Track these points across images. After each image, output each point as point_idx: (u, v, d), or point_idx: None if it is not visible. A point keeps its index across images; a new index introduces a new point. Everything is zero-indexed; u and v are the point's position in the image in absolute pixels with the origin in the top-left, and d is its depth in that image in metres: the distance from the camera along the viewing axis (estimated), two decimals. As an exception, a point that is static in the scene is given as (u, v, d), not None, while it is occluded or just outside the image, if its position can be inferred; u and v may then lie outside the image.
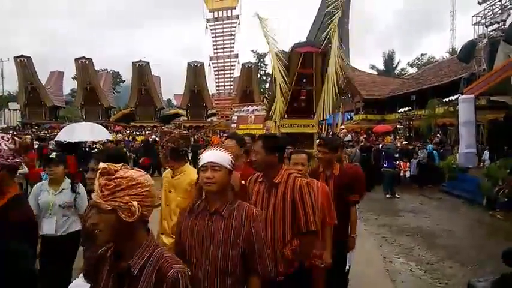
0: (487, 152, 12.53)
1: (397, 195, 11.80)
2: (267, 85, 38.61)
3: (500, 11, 16.88)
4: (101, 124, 14.93)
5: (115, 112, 46.87)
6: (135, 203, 1.35)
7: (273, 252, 2.48)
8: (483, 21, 17.59)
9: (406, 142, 16.48)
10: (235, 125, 22.59)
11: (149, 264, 1.40)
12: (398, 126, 23.12)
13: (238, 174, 2.17)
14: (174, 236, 2.80)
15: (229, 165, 2.05)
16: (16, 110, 43.24)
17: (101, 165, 1.39)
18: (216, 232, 1.98)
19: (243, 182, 3.03)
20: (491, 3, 17.50)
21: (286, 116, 7.93)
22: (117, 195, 1.34)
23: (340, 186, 3.62)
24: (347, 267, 3.98)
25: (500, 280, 2.60)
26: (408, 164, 13.66)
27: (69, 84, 54.06)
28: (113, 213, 1.34)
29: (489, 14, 17.39)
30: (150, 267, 1.39)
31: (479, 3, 18.19)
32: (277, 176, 2.62)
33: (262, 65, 48.53)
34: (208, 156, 2.06)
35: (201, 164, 2.05)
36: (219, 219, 2.00)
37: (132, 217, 1.35)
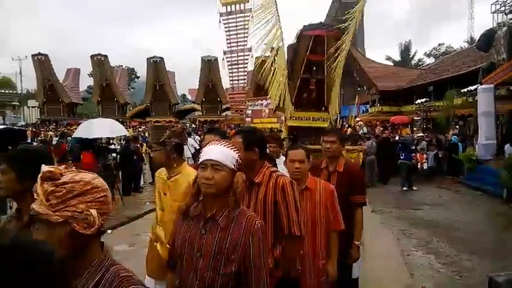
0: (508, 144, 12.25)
1: (414, 188, 11.66)
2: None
3: (520, -2, 16.39)
4: (117, 120, 15.11)
5: (130, 108, 47.37)
6: (93, 212, 1.14)
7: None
8: (502, 8, 17.09)
9: (422, 134, 16.24)
10: (249, 119, 22.65)
11: (102, 285, 1.16)
12: (415, 118, 22.77)
13: (243, 175, 1.85)
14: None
15: (234, 164, 1.75)
16: (35, 107, 44.14)
17: (44, 167, 1.15)
18: (208, 243, 1.70)
19: None
20: (511, -10, 17.00)
21: (294, 108, 7.12)
22: (70, 203, 1.12)
23: (343, 184, 3.13)
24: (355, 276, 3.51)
25: None
26: (425, 155, 13.48)
27: (85, 81, 54.79)
28: (64, 225, 1.10)
29: (509, 1, 16.90)
30: None
31: (499, -10, 17.69)
32: (258, 175, 2.35)
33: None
34: (210, 152, 1.77)
35: (201, 160, 1.77)
36: (214, 228, 1.72)
37: (90, 229, 1.13)
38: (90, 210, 1.14)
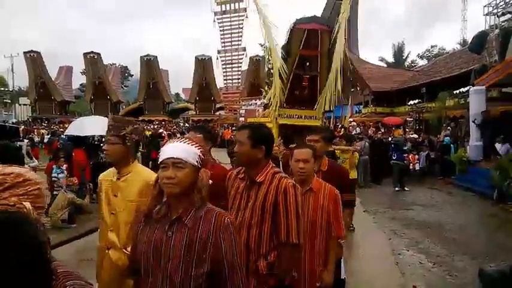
0: (497, 145, 12.37)
1: (406, 188, 11.72)
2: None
3: (512, 1, 16.56)
4: (110, 118, 15.02)
5: (123, 106, 47.16)
6: (27, 204, 1.08)
7: (245, 263, 2.11)
8: (495, 11, 17.28)
9: (415, 136, 16.35)
10: (243, 118, 22.64)
11: None
12: (408, 119, 22.94)
13: (208, 172, 1.76)
14: (126, 251, 2.37)
15: (197, 161, 1.66)
16: (26, 104, 43.75)
17: None
18: (176, 245, 1.60)
19: (210, 181, 2.74)
20: (504, -7, 17.17)
21: (285, 105, 6.73)
22: (1, 196, 1.07)
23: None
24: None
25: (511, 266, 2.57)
26: (417, 156, 13.57)
27: (78, 79, 54.50)
28: None
29: (501, 3, 17.06)
30: None
31: (491, -7, 17.87)
32: (261, 174, 2.23)
33: (270, 58, 48.35)
34: (170, 150, 1.67)
35: (160, 159, 1.67)
36: (182, 228, 1.62)
37: None
38: (24, 203, 1.08)
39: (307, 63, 6.70)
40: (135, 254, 1.75)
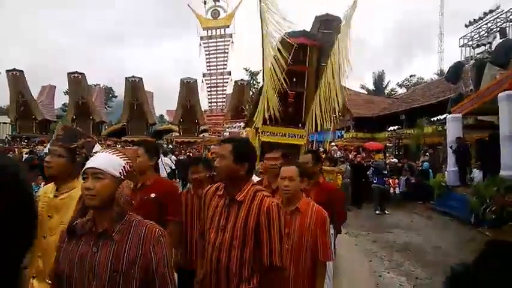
0: (474, 170, 12.72)
1: (386, 212, 11.87)
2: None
3: (486, 34, 17.44)
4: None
5: (106, 127, 46.74)
6: None
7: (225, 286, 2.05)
8: (470, 43, 18.13)
9: (395, 160, 16.68)
10: (226, 141, 22.74)
11: None
12: (387, 144, 23.43)
13: (130, 183, 1.62)
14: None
15: (120, 172, 1.57)
16: (6, 123, 42.91)
17: None
18: (102, 261, 1.48)
19: (152, 195, 2.75)
20: (478, 26, 18.09)
21: (268, 122, 6.41)
22: None
23: (319, 204, 2.88)
24: None
25: (478, 258, 2.70)
26: (397, 180, 13.82)
27: (61, 99, 53.89)
28: None
29: (476, 36, 17.94)
30: None
31: (467, 26, 18.79)
32: (241, 192, 2.11)
33: (254, 82, 49.14)
34: (92, 160, 1.59)
35: (82, 170, 1.59)
36: (108, 243, 1.51)
37: None
38: None
39: (294, 79, 6.53)
40: (57, 275, 1.58)
